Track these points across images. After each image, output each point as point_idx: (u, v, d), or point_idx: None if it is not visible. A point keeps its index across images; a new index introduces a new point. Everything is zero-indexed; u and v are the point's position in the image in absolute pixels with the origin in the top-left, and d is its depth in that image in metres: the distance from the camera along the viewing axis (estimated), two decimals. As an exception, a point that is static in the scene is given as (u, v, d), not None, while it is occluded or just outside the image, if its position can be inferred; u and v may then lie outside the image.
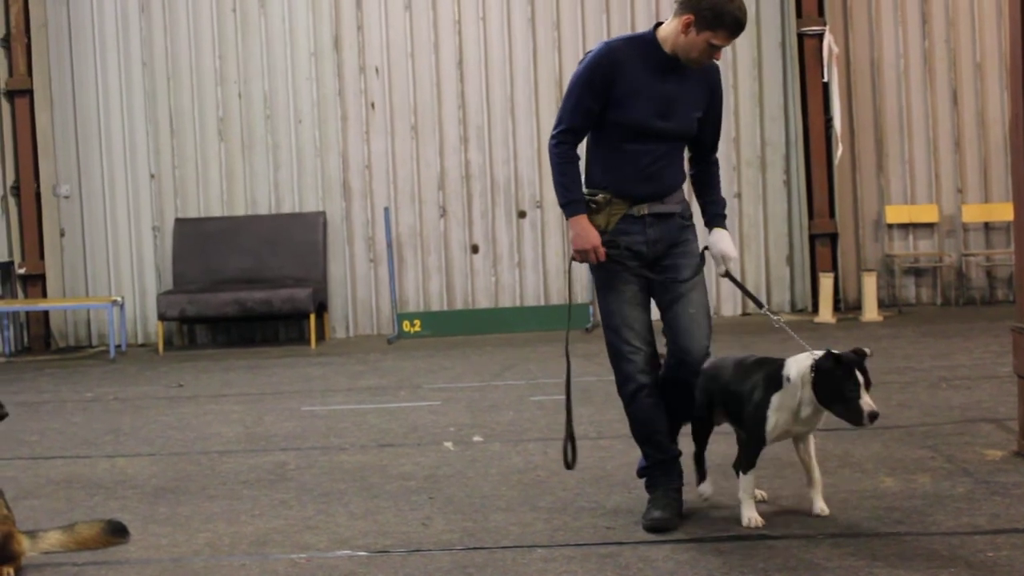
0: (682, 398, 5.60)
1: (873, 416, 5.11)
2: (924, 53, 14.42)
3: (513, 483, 6.50)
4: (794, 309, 14.34)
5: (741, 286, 5.85)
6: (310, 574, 5.06)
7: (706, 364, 5.59)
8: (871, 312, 13.47)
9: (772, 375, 5.35)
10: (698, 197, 5.80)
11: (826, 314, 13.43)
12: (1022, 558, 4.80)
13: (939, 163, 14.42)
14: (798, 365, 5.29)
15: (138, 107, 14.66)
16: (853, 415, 5.13)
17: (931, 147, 14.41)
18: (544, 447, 7.38)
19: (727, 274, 5.66)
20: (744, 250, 14.38)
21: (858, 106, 14.41)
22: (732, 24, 5.31)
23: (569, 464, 5.73)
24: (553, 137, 5.53)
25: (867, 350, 5.25)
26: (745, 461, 5.41)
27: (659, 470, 5.61)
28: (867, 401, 5.11)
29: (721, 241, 5.63)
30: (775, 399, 5.31)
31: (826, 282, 13.60)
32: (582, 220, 5.45)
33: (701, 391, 5.59)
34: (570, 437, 5.71)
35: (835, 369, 5.15)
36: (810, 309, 14.11)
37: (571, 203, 5.47)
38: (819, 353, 5.25)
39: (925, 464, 6.45)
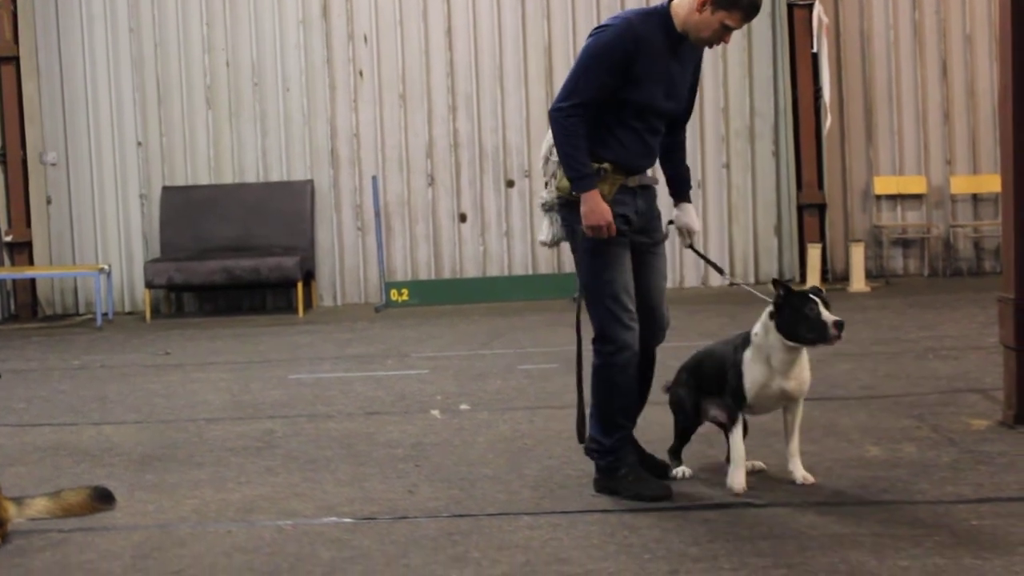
0: (646, 363, 5.62)
1: (839, 325, 5.24)
2: (914, 24, 14.39)
3: (500, 451, 6.52)
4: (782, 279, 14.31)
5: (705, 258, 6.15)
6: (296, 541, 5.07)
7: (686, 362, 5.79)
8: (859, 283, 13.49)
9: (744, 338, 5.53)
10: (665, 167, 5.81)
11: (814, 285, 13.43)
12: (1005, 526, 4.83)
13: (928, 134, 14.43)
14: (760, 318, 5.46)
15: (125, 74, 14.58)
16: (818, 330, 5.27)
17: (920, 118, 14.41)
18: (531, 416, 7.40)
19: (691, 246, 5.85)
20: (732, 220, 14.38)
21: (847, 77, 14.38)
22: (748, 6, 5.28)
23: (584, 439, 5.67)
24: (561, 109, 5.37)
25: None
26: (730, 418, 5.51)
27: (623, 444, 5.55)
28: (828, 315, 5.25)
29: (687, 215, 5.76)
30: (747, 354, 5.46)
31: (814, 253, 13.62)
32: (596, 195, 5.36)
33: (686, 388, 5.73)
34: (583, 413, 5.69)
35: (790, 299, 5.32)
36: (798, 279, 14.12)
37: (584, 177, 5.36)
38: None
39: (911, 433, 6.48)
